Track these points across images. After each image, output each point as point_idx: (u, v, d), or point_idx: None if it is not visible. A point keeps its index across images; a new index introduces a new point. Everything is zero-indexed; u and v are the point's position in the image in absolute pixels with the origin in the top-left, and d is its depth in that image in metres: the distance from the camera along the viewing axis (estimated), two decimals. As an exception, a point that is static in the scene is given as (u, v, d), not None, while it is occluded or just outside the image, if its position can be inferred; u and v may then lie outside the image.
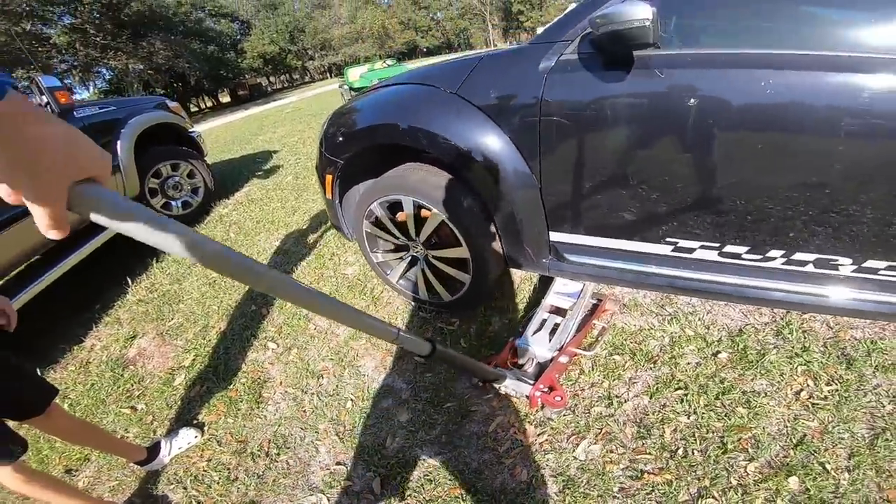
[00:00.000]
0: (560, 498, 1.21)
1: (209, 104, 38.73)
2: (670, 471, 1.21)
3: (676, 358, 1.50)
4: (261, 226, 3.45)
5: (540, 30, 1.58)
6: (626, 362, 1.53)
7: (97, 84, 29.27)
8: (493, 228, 1.59)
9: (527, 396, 1.41)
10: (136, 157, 3.27)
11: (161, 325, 2.43)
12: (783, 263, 1.21)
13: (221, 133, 11.22)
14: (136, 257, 3.34)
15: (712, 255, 1.30)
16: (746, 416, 1.29)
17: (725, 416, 1.30)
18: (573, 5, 1.38)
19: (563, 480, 1.25)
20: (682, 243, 1.33)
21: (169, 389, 1.95)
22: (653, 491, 1.17)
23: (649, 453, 1.26)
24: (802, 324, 1.53)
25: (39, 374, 2.11)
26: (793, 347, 1.46)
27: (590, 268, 1.46)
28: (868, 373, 1.34)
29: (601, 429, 1.35)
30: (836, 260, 1.15)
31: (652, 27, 1.02)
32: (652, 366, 1.50)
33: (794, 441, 1.21)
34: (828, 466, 1.14)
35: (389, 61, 17.27)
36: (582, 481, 1.23)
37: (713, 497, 1.13)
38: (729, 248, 1.26)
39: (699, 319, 1.64)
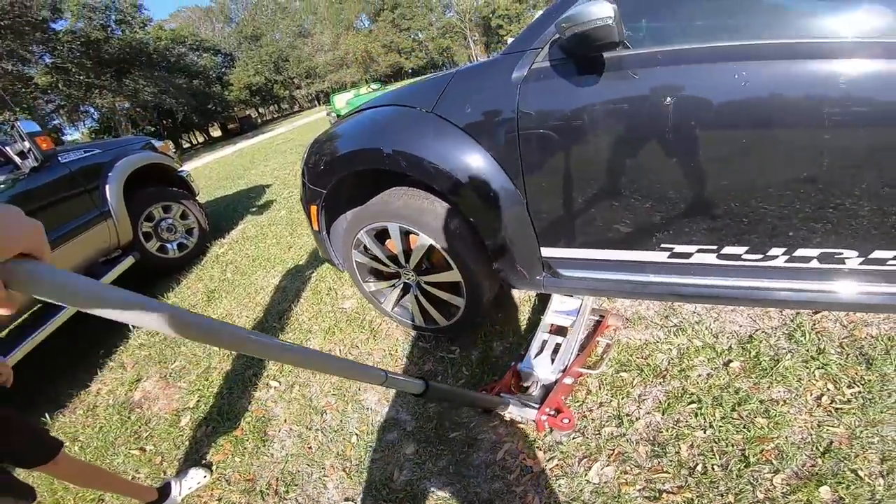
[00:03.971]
0: (576, 525, 1.15)
1: (201, 139, 38.94)
2: (690, 489, 1.15)
3: (686, 371, 1.45)
4: (257, 264, 3.41)
5: (510, 39, 1.56)
6: (633, 379, 1.48)
7: (86, 123, 29.26)
8: (483, 249, 1.54)
9: (533, 421, 1.35)
10: (125, 200, 3.18)
11: (164, 368, 2.41)
12: (786, 261, 1.17)
13: (214, 168, 11.27)
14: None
15: (710, 259, 1.26)
16: (767, 427, 1.22)
17: (744, 427, 1.24)
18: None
19: (579, 507, 1.19)
20: (678, 248, 1.28)
21: (175, 430, 1.95)
22: (674, 512, 1.11)
23: (666, 472, 1.20)
24: (815, 325, 1.47)
25: (44, 426, 2.17)
26: (808, 350, 1.40)
27: (586, 281, 1.42)
28: (890, 371, 1.28)
29: (613, 449, 1.29)
30: (841, 253, 1.10)
31: (616, 25, 0.98)
32: (661, 380, 1.44)
33: (821, 449, 1.15)
34: (860, 473, 1.07)
35: (374, 85, 17.55)
36: (598, 506, 1.17)
37: (740, 513, 1.07)
38: (728, 250, 1.21)
39: (706, 328, 1.58)
